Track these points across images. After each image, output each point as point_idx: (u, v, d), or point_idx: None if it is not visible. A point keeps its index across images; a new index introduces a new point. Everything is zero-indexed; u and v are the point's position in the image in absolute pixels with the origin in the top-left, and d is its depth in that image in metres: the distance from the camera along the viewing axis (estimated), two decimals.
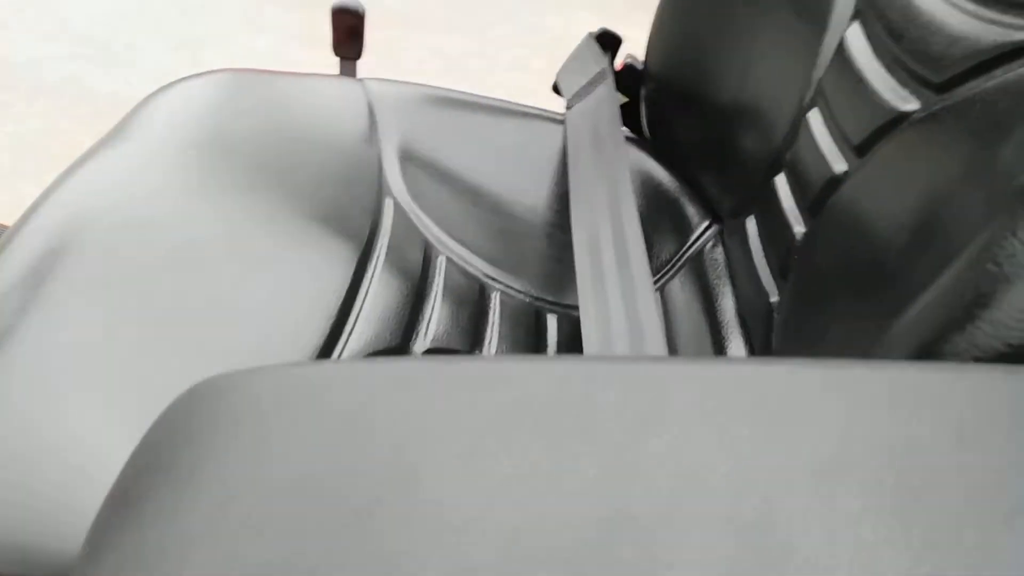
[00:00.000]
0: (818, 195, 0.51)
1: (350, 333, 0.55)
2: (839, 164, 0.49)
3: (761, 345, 0.56)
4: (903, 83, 0.45)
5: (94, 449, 0.42)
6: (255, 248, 0.57)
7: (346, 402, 0.24)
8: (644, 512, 0.19)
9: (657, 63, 0.74)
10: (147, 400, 0.45)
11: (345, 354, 0.54)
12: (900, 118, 0.44)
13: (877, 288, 0.38)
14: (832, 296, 0.45)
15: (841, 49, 0.52)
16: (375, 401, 0.23)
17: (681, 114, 0.73)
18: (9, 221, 1.02)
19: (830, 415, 0.21)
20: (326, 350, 0.53)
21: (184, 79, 0.71)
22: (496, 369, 0.24)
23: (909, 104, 0.44)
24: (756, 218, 0.60)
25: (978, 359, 0.25)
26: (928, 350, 0.27)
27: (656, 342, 0.52)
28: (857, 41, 0.51)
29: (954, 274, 0.28)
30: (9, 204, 1.54)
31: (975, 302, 0.25)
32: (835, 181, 0.49)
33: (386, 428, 0.22)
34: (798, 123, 0.56)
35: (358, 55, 0.91)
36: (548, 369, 0.24)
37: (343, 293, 0.56)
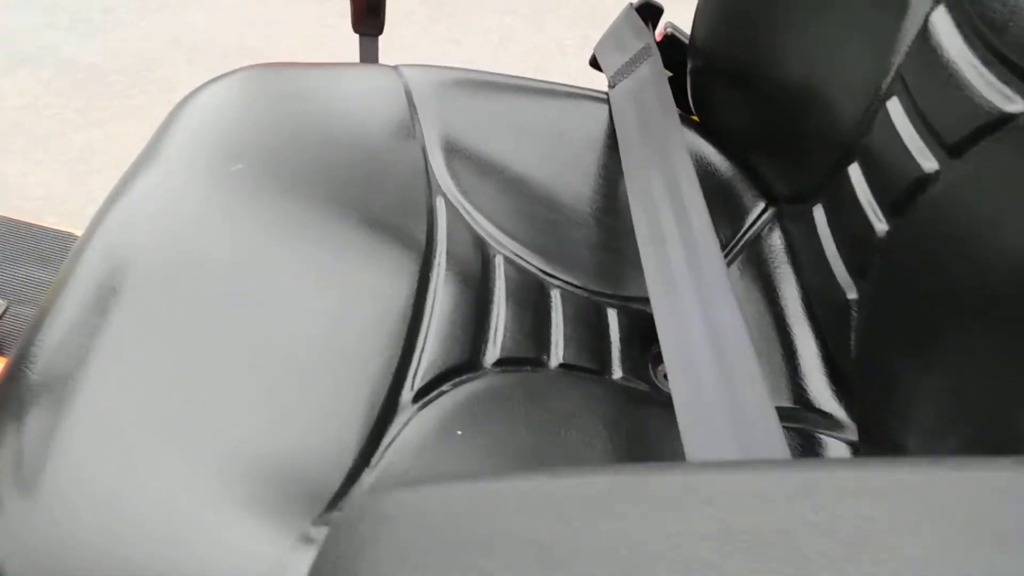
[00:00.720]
0: (902, 193, 0.49)
1: (421, 353, 0.54)
2: (927, 162, 0.48)
3: (836, 342, 0.55)
4: (1005, 80, 0.43)
5: (178, 512, 0.41)
6: (312, 270, 0.55)
7: (535, 531, 0.23)
8: None
9: (706, 36, 0.70)
10: (225, 453, 0.44)
11: (419, 377, 0.52)
12: (1003, 120, 0.42)
13: (1003, 314, 0.37)
14: (933, 308, 0.44)
15: (924, 35, 0.50)
16: (565, 529, 0.22)
17: (733, 92, 0.70)
18: (42, 221, 0.99)
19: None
20: (399, 375, 0.52)
21: (210, 82, 0.67)
22: (690, 485, 0.23)
23: (1014, 105, 0.42)
24: (825, 207, 0.59)
25: None
26: None
27: (742, 345, 0.50)
28: (944, 27, 0.48)
29: None
30: None
31: None
32: (923, 180, 0.48)
33: (585, 562, 0.22)
34: (874, 112, 0.53)
35: (379, 31, 0.87)
36: (746, 483, 0.23)
37: (410, 311, 0.55)
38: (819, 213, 0.59)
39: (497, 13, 2.06)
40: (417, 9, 2.02)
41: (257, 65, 0.71)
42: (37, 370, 0.46)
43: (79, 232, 1.05)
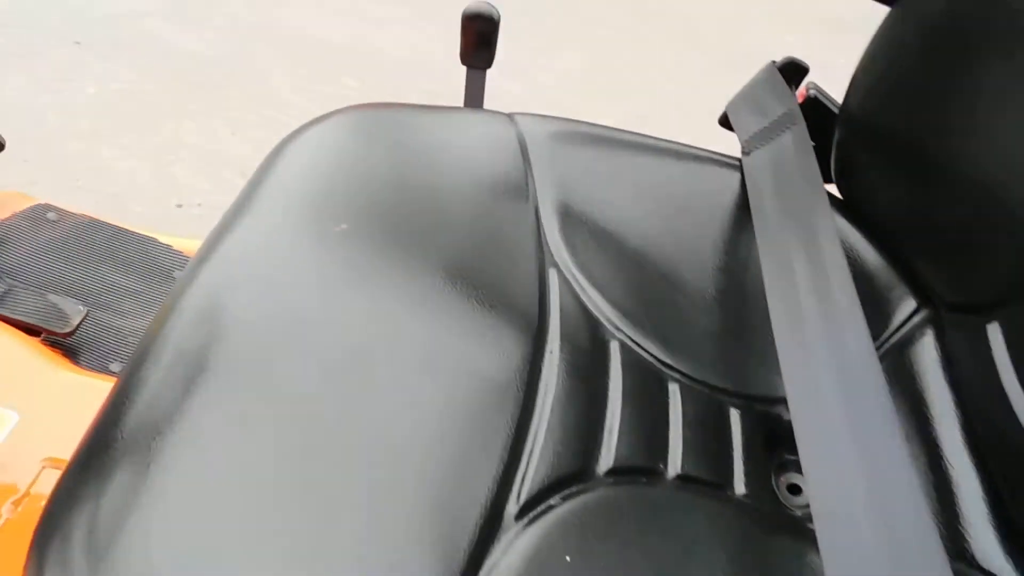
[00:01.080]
0: None
1: (529, 457, 0.48)
2: None
3: (1012, 490, 0.48)
4: None
5: None
6: (415, 347, 0.50)
7: None
8: None
9: (862, 104, 0.63)
10: (310, 564, 0.40)
11: (525, 488, 0.47)
12: None
13: None
14: None
15: None
16: None
17: (890, 171, 0.62)
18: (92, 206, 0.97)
19: None
20: (504, 484, 0.46)
21: (313, 122, 0.63)
22: None
23: None
24: (1004, 327, 0.51)
25: None
26: None
27: (905, 479, 0.42)
28: None
29: None
30: (90, 169, 1.50)
31: None
32: None
33: None
34: None
35: (488, 64, 0.82)
36: None
37: (519, 406, 0.49)
38: (995, 332, 0.51)
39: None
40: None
41: (362, 105, 0.66)
42: (123, 437, 0.43)
43: (162, 237, 1.03)
